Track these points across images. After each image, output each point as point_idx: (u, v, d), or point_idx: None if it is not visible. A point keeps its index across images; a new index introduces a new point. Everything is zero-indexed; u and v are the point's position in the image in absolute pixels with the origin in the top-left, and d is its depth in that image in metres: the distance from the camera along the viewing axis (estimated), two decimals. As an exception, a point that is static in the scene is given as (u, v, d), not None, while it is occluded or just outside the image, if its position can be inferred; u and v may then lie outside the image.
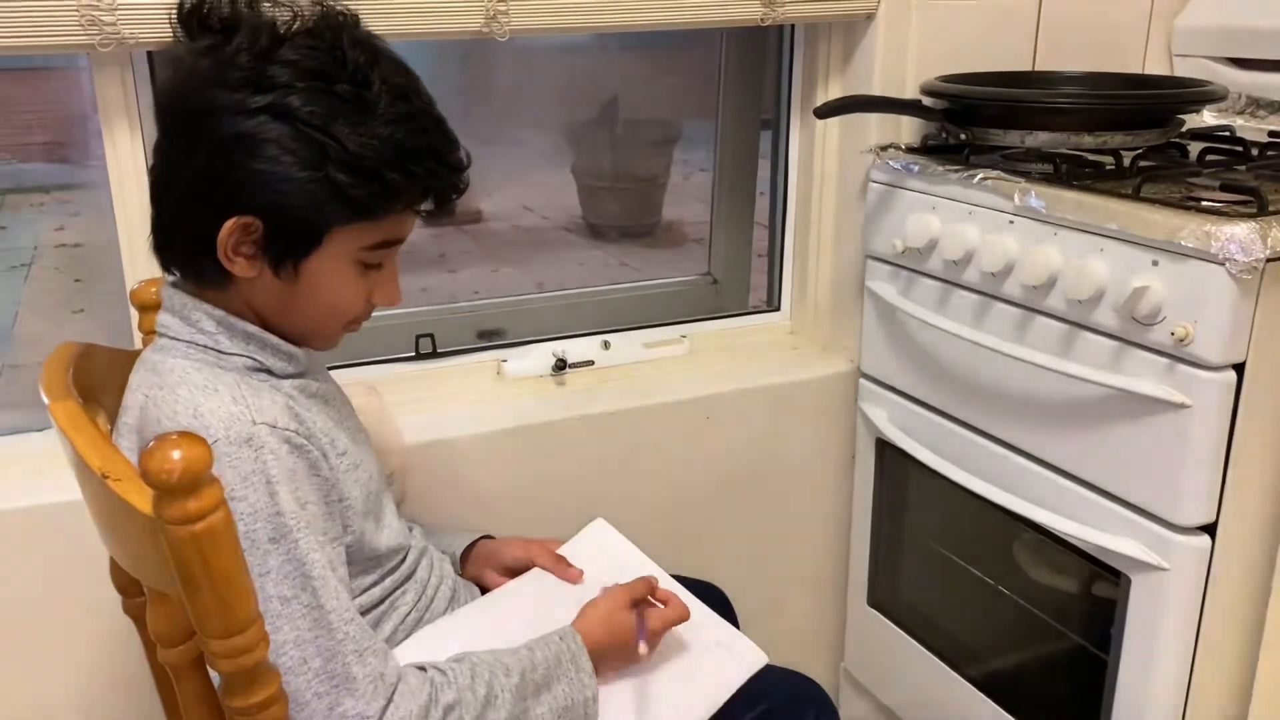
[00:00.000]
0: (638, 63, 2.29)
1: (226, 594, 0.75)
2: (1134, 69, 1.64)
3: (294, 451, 0.90)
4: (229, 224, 0.89)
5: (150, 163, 0.96)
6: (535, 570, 1.18)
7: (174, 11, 0.93)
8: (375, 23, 1.22)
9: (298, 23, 0.92)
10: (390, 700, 0.89)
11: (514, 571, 1.19)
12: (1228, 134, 1.48)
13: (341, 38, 0.91)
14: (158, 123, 0.94)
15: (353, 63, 0.90)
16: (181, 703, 0.86)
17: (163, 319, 0.97)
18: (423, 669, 0.94)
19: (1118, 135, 1.31)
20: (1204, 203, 1.12)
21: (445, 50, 1.76)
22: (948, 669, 1.50)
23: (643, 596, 1.09)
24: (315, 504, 0.91)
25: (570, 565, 1.17)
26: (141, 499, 0.74)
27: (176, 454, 0.70)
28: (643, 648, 1.03)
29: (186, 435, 0.72)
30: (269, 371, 0.97)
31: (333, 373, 1.44)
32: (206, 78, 0.90)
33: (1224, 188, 1.16)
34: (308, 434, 0.93)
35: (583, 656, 1.01)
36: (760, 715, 1.11)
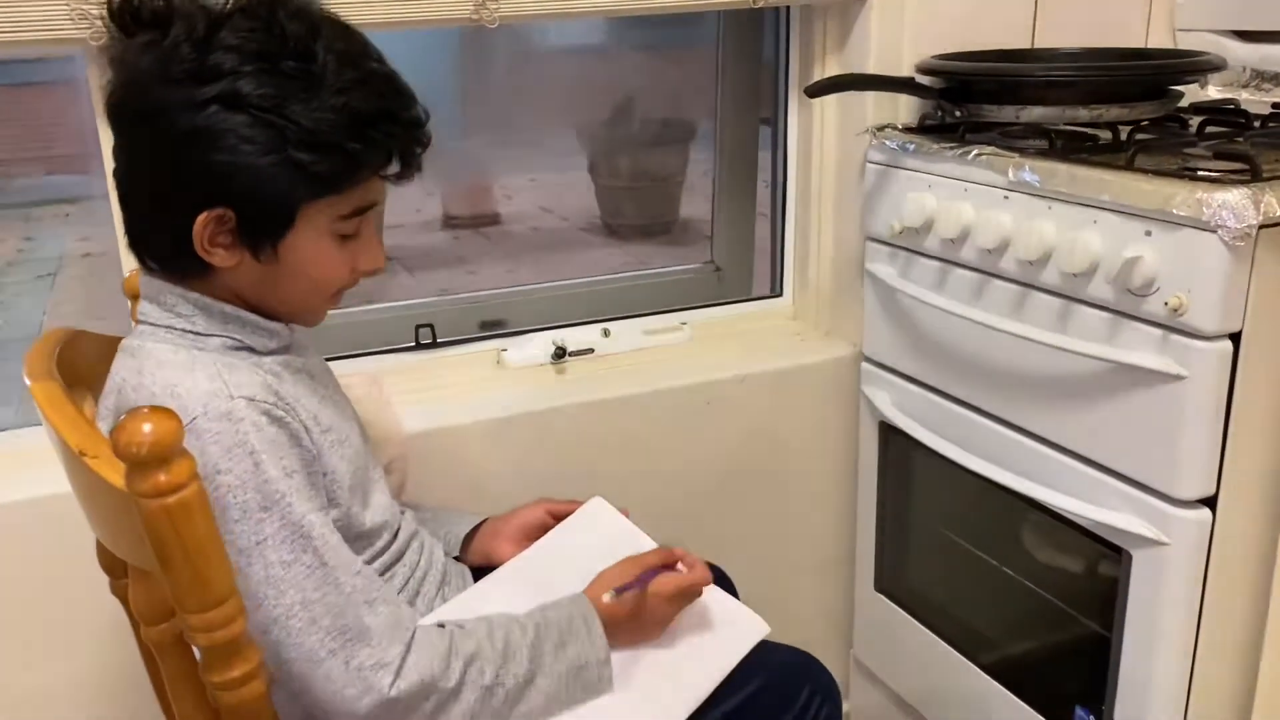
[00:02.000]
0: (653, 62, 2.30)
1: (202, 568, 0.76)
2: (1136, 45, 1.62)
3: (274, 423, 0.91)
4: (201, 219, 0.90)
5: (113, 166, 0.95)
6: (532, 550, 1.18)
7: (104, 11, 0.91)
8: (362, 12, 1.23)
9: (231, 2, 0.91)
10: (409, 647, 0.91)
11: (527, 532, 1.22)
12: (1231, 107, 1.46)
13: (278, 12, 0.90)
14: (111, 127, 0.93)
15: (294, 37, 0.89)
16: (166, 680, 0.87)
17: (142, 306, 0.98)
18: (440, 625, 0.97)
19: (1113, 108, 1.29)
20: (1199, 172, 1.10)
21: (463, 55, 1.77)
22: (956, 654, 1.48)
23: (657, 566, 1.08)
24: (300, 473, 0.92)
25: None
26: (117, 475, 0.75)
27: (147, 427, 0.71)
28: (607, 596, 1.03)
29: (157, 409, 0.72)
30: (251, 349, 0.98)
31: (333, 364, 1.45)
32: (151, 76, 0.89)
33: (1218, 155, 1.15)
34: (287, 407, 0.93)
35: (593, 619, 1.02)
36: (756, 690, 1.10)
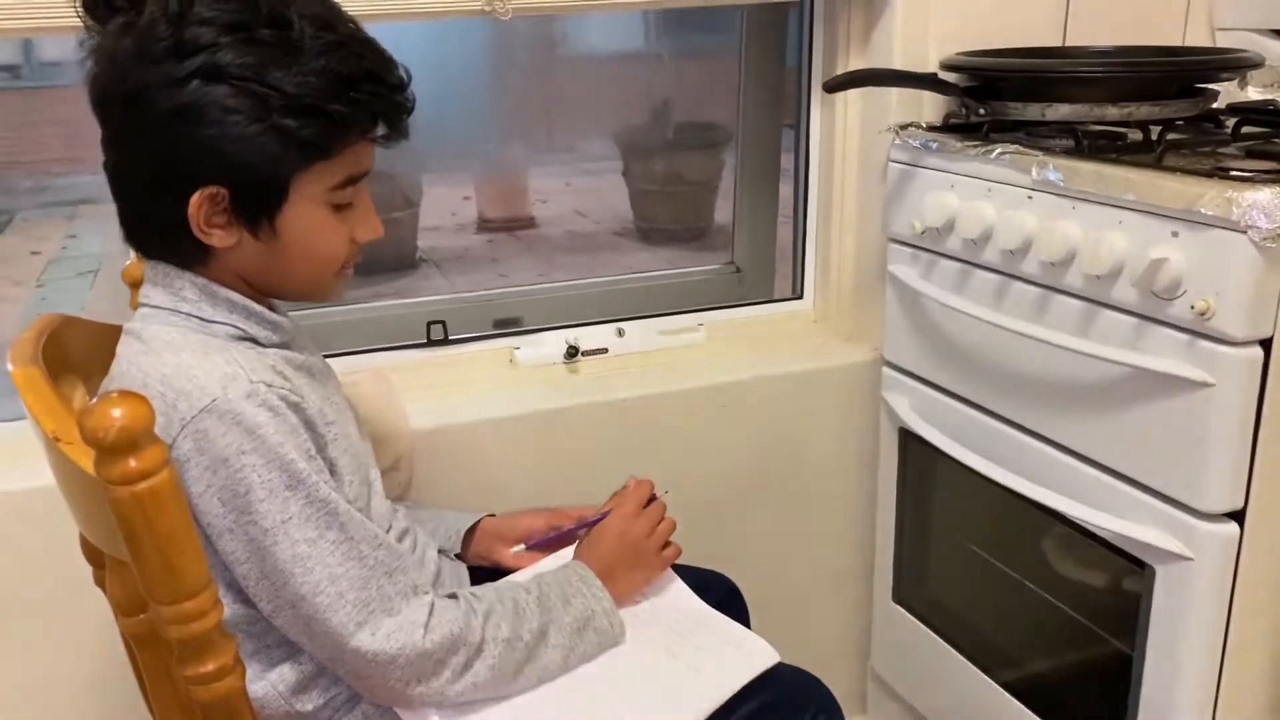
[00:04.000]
0: (689, 67, 2.29)
1: (173, 558, 0.74)
2: (1173, 44, 1.57)
3: (292, 409, 0.91)
4: (195, 199, 0.89)
5: (103, 159, 0.94)
6: (540, 565, 1.16)
7: (76, 3, 0.91)
8: (375, 3, 1.22)
9: None
10: (431, 610, 0.94)
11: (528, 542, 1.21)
12: (1270, 107, 1.40)
13: None
14: (96, 116, 0.92)
15: (267, 5, 0.88)
16: (143, 671, 0.85)
17: (145, 290, 0.97)
18: (450, 595, 0.99)
19: (1144, 106, 1.24)
20: (1230, 171, 1.05)
21: (498, 61, 1.76)
22: (974, 669, 1.44)
23: (645, 498, 1.18)
24: (318, 457, 0.92)
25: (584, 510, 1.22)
26: (89, 461, 0.73)
27: (116, 412, 0.69)
28: (516, 549, 1.18)
29: (127, 394, 0.71)
30: (254, 340, 0.97)
31: (342, 359, 1.44)
32: (130, 57, 0.88)
33: (1251, 155, 1.10)
34: (300, 395, 0.93)
35: (588, 574, 1.07)
36: (759, 708, 1.07)
